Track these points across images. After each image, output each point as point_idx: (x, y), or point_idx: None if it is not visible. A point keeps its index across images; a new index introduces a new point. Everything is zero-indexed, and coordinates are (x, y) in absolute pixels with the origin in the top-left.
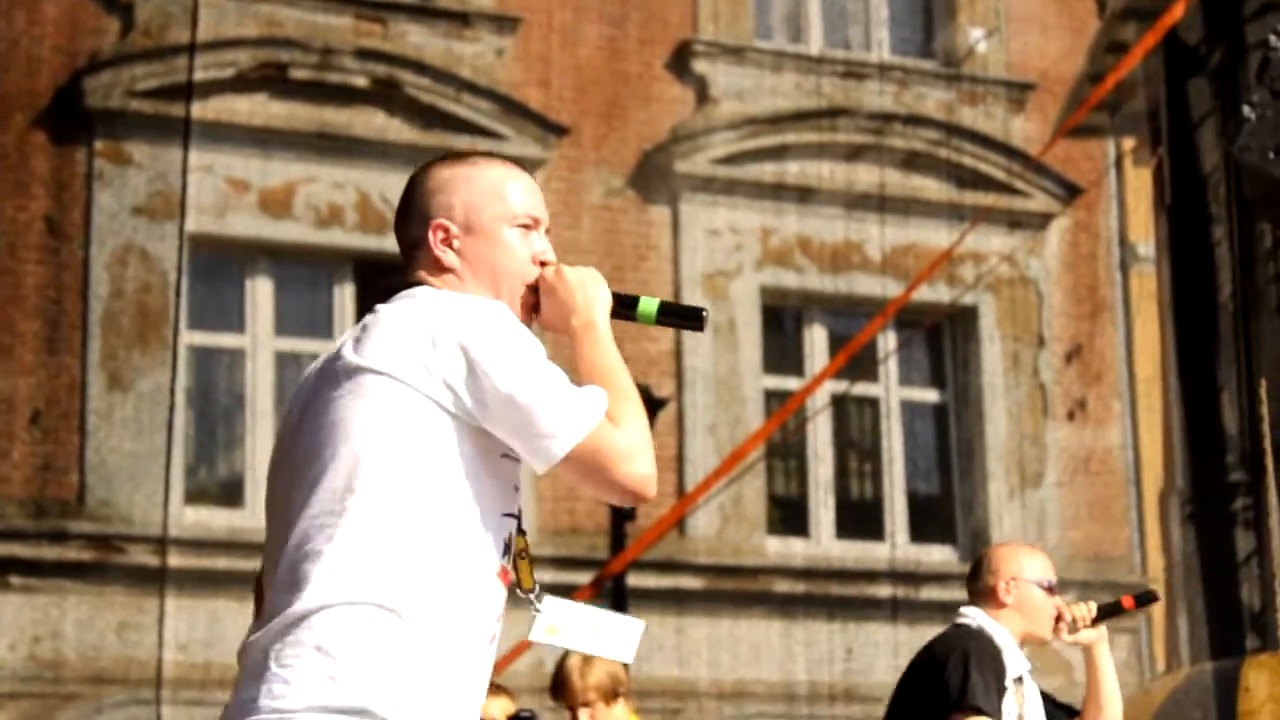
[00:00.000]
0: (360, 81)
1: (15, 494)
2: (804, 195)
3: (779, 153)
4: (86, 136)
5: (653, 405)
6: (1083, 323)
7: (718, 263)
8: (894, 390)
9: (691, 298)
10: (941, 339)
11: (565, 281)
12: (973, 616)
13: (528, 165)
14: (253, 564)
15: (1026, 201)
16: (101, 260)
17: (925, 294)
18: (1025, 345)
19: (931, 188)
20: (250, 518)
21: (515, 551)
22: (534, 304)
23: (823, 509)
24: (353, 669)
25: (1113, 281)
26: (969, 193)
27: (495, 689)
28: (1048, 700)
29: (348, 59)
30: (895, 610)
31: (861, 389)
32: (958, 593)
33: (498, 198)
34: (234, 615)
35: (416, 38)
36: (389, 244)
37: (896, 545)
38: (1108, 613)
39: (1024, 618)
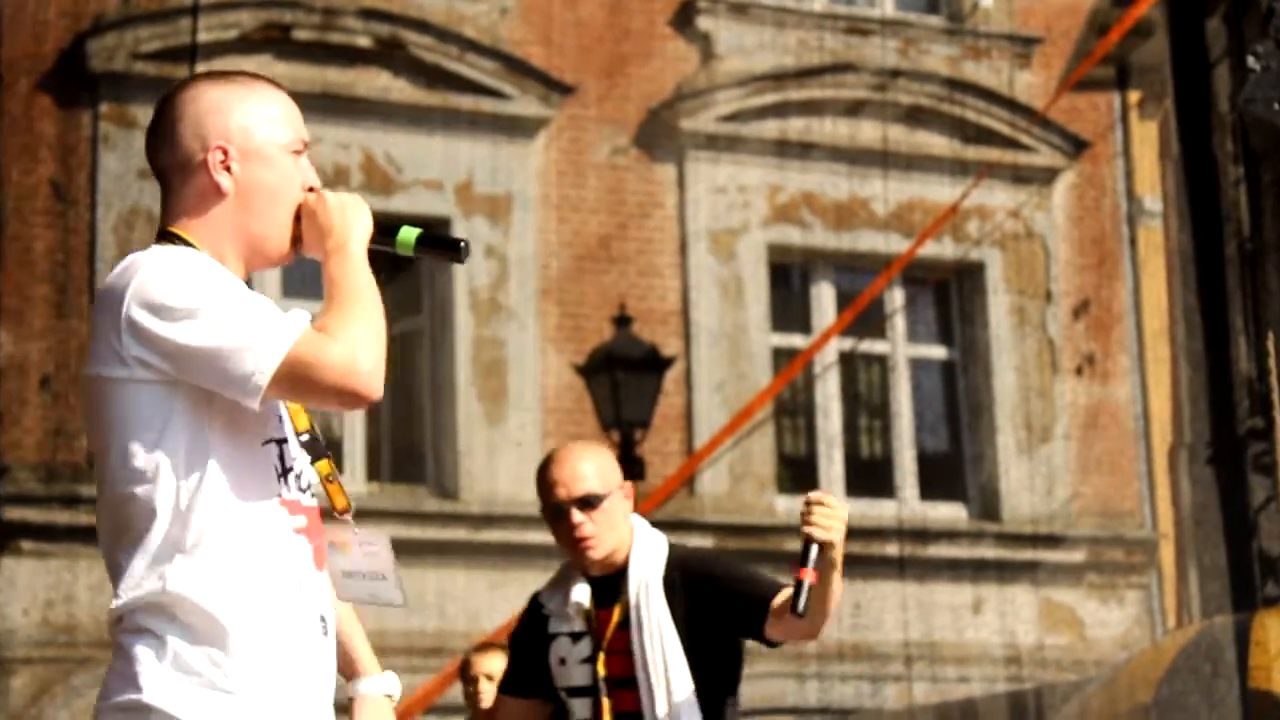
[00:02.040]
0: (364, 42)
1: (27, 459)
2: (808, 151)
3: (783, 109)
4: (91, 100)
5: (660, 364)
6: (1090, 277)
7: (723, 220)
8: (902, 346)
9: (697, 255)
10: (949, 295)
11: (325, 206)
12: None
13: (533, 124)
14: None
15: (1032, 156)
16: (109, 223)
17: (931, 250)
18: (1032, 300)
19: (936, 143)
20: None
21: (323, 476)
22: (300, 234)
23: (831, 466)
24: (140, 670)
25: (1120, 235)
26: (974, 148)
27: (495, 646)
28: None
29: (351, 19)
30: (903, 567)
31: (869, 345)
32: (966, 549)
33: (273, 121)
34: None
35: None
36: (395, 204)
37: (905, 502)
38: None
39: None
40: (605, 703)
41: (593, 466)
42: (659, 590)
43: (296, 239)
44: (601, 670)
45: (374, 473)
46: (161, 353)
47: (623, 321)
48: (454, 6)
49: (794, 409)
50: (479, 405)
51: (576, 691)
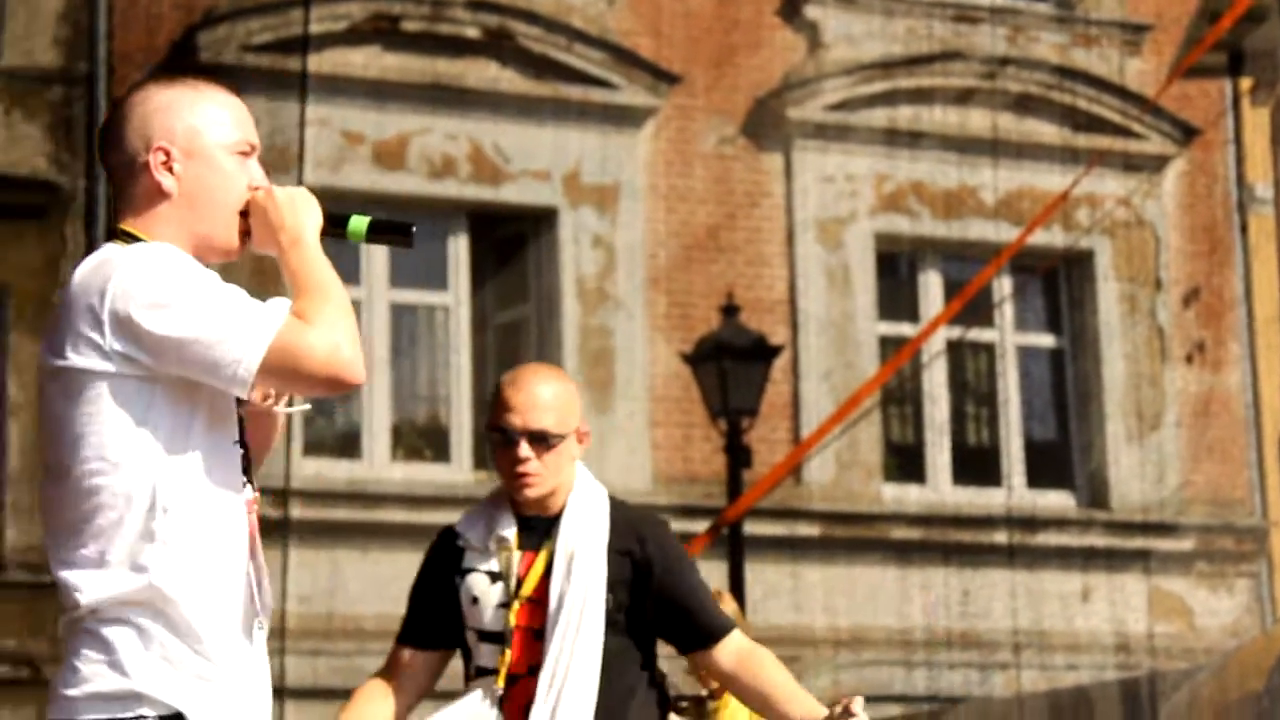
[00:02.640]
0: (472, 32)
1: None
2: (917, 140)
3: (891, 98)
4: None
5: (767, 352)
6: (1200, 264)
7: (831, 209)
8: (1010, 335)
9: (805, 244)
10: (1057, 283)
11: (274, 202)
12: None
13: (640, 114)
14: (372, 515)
15: (1142, 144)
16: None
17: (1040, 238)
18: (1142, 288)
19: (1046, 131)
20: (368, 469)
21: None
22: (247, 230)
23: (939, 454)
24: (125, 658)
25: (1231, 223)
26: (1084, 135)
27: None
28: None
29: (460, 10)
30: (1012, 555)
31: (977, 334)
32: (1075, 538)
33: (217, 123)
34: (355, 565)
35: None
36: (503, 195)
37: (1013, 490)
38: None
39: None
40: (507, 654)
41: (555, 402)
42: (600, 550)
43: (245, 234)
44: (513, 619)
45: (480, 461)
46: (147, 346)
47: (730, 310)
48: None
49: (901, 397)
50: (586, 394)
51: (488, 636)
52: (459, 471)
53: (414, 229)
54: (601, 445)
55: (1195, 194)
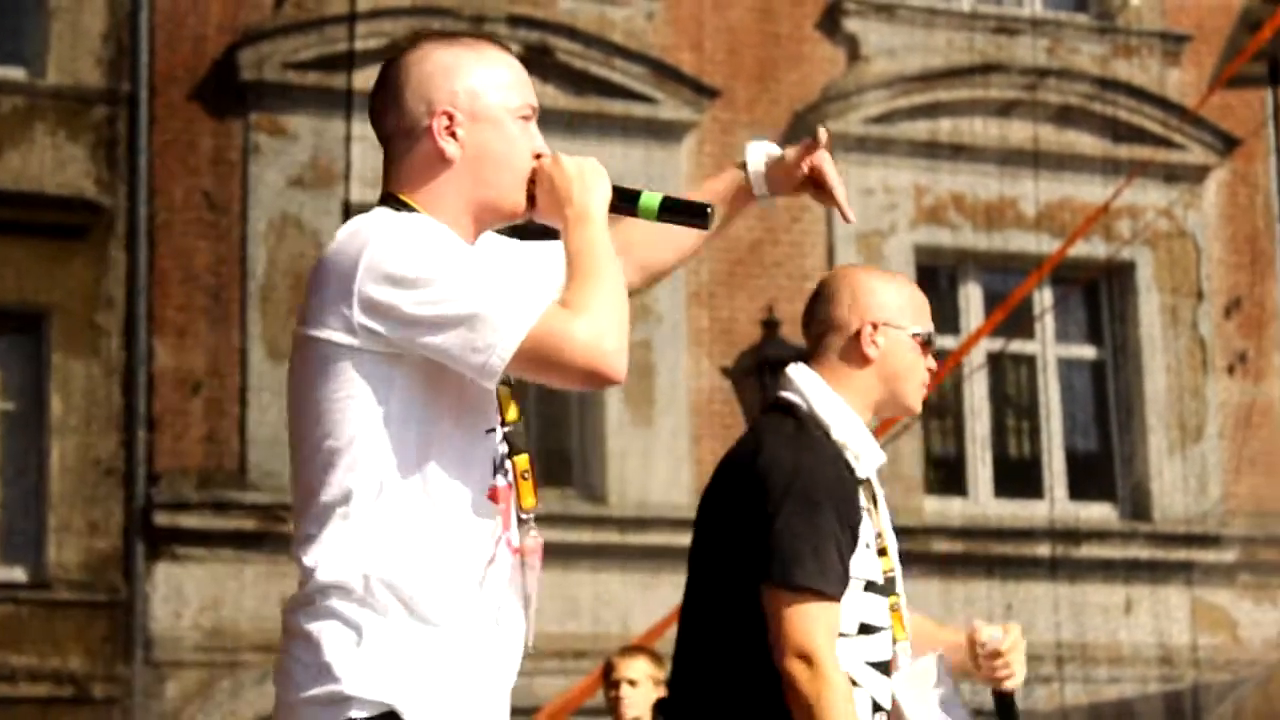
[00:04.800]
0: (513, 48)
1: (181, 466)
2: (957, 152)
3: (931, 110)
4: (242, 109)
5: None
6: (1242, 275)
7: (872, 222)
8: (1051, 347)
9: (846, 257)
10: (1099, 294)
11: (562, 172)
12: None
13: (680, 128)
14: None
15: (1183, 154)
16: (259, 232)
17: (1081, 249)
18: (1184, 299)
19: (1086, 142)
20: None
21: (520, 470)
22: (531, 197)
23: (981, 467)
24: (335, 659)
25: (1273, 233)
26: (1124, 146)
27: (640, 651)
28: None
29: (500, 26)
30: (1055, 568)
31: (1018, 346)
32: (1117, 550)
33: (501, 85)
34: None
35: (568, 3)
36: None
37: (1055, 502)
38: None
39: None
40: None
41: None
42: None
43: (529, 199)
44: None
45: None
46: (395, 323)
47: (771, 325)
48: (602, 12)
49: (943, 410)
50: (627, 408)
51: (874, 587)
52: None
53: (710, 209)
54: (644, 459)
55: (1236, 204)
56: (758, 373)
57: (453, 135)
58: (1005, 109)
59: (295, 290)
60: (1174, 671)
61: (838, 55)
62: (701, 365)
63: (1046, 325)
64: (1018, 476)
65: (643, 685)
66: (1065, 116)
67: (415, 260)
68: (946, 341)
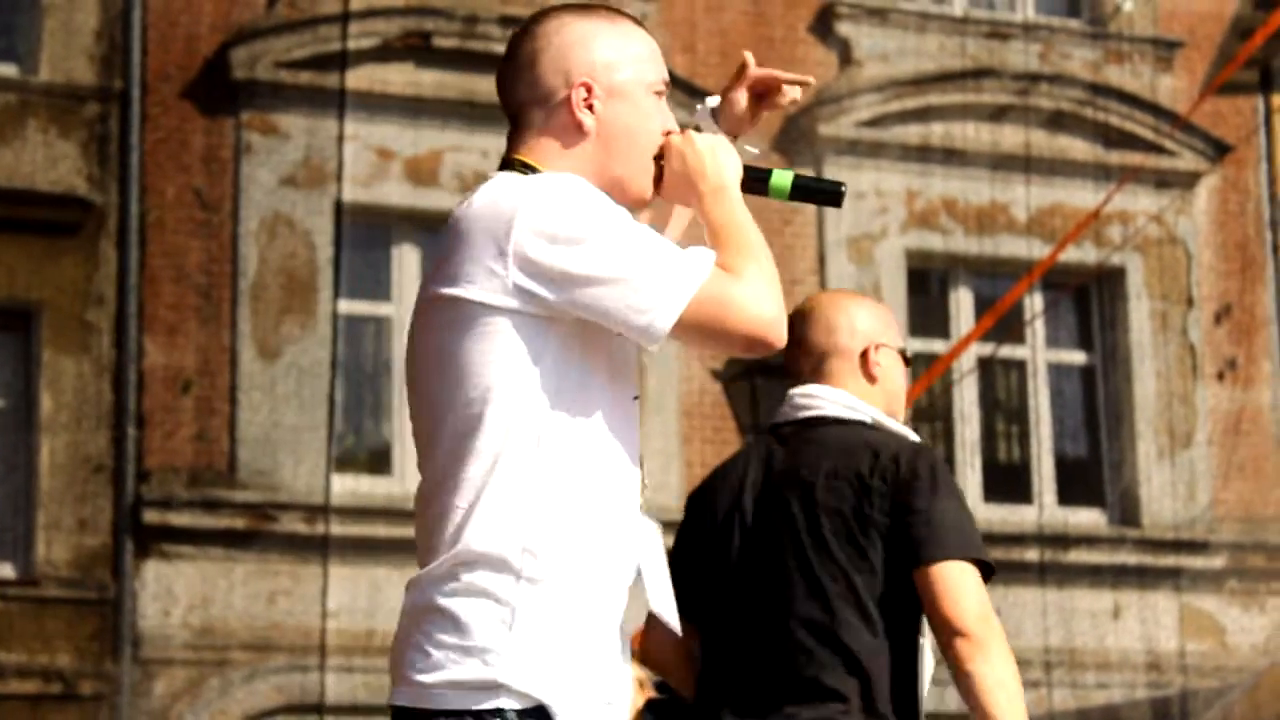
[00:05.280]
0: (504, 49)
1: (170, 464)
2: (949, 157)
3: (923, 114)
4: (233, 108)
5: None
6: (1232, 281)
7: (863, 226)
8: (1041, 352)
9: (836, 261)
10: (1089, 300)
11: (694, 148)
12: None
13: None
14: (409, 532)
15: (1174, 160)
16: (251, 231)
17: (1072, 255)
18: (1174, 305)
19: (1078, 147)
20: (399, 484)
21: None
22: (659, 175)
23: (970, 471)
24: (486, 642)
25: (1263, 240)
26: (1116, 152)
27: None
28: None
29: (492, 26)
30: (1043, 573)
31: (1008, 351)
32: (1106, 556)
33: (638, 59)
34: (395, 584)
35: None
36: None
37: (1044, 508)
38: None
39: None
40: None
41: None
42: None
43: (656, 181)
44: None
45: None
46: (553, 283)
47: None
48: None
49: (932, 415)
50: None
51: None
52: None
53: (843, 188)
54: None
55: (1227, 211)
56: (748, 375)
57: (589, 108)
58: (997, 114)
59: (286, 289)
60: (1162, 677)
61: (830, 59)
62: (691, 368)
63: (1037, 330)
64: (1007, 481)
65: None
66: (1057, 122)
67: (574, 218)
68: (937, 346)
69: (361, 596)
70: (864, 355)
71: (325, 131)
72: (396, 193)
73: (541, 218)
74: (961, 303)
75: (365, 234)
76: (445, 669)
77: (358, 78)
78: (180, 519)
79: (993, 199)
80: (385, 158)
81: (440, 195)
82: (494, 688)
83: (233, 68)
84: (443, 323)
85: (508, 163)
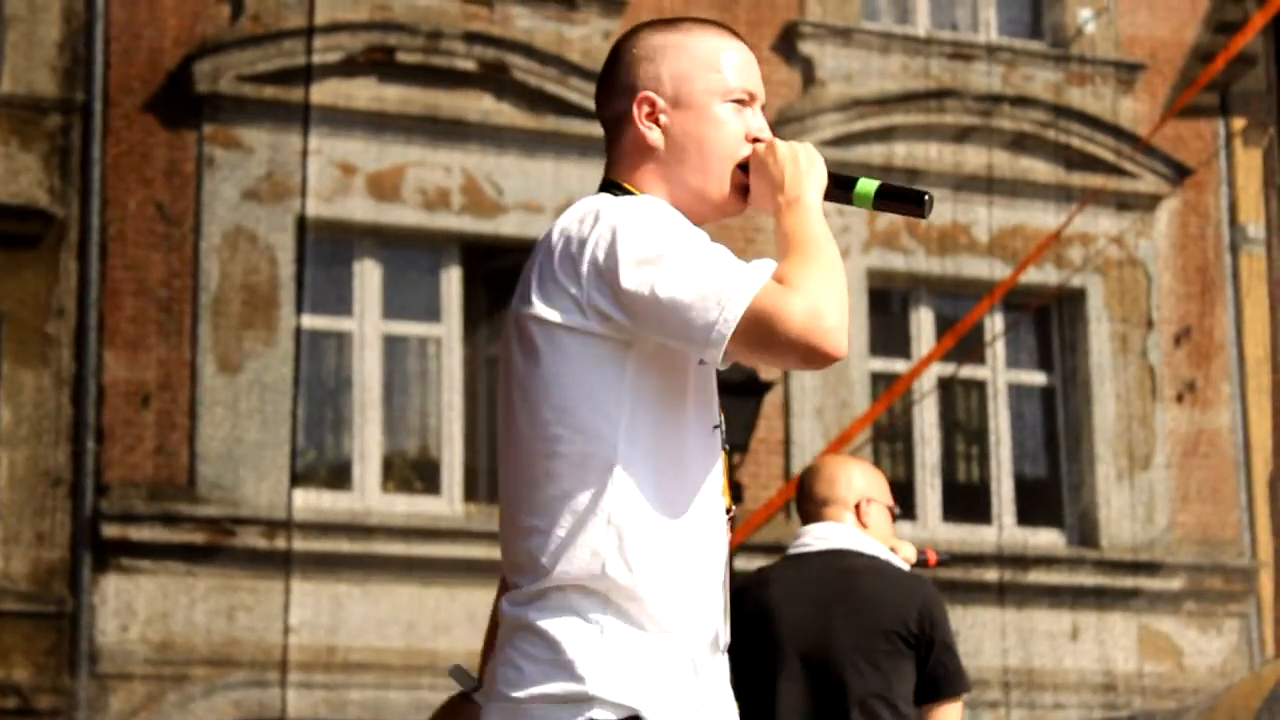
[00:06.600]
0: (468, 65)
1: (129, 478)
2: (911, 177)
3: (886, 134)
4: (196, 121)
5: (759, 389)
6: (1192, 304)
7: None
8: (1001, 373)
9: None
10: (1049, 321)
11: (776, 157)
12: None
13: None
14: (368, 547)
15: (1135, 183)
16: (213, 245)
17: (1033, 276)
18: (1134, 327)
19: (1039, 169)
20: (359, 500)
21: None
22: (745, 185)
23: (930, 492)
24: (576, 656)
25: (1223, 263)
26: (1077, 174)
27: None
28: None
29: (456, 42)
30: (1002, 594)
31: (969, 371)
32: (1065, 577)
33: (711, 69)
34: (356, 600)
35: (524, 21)
36: (495, 227)
37: (1003, 528)
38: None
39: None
40: None
41: None
42: None
43: (743, 190)
44: None
45: (471, 493)
46: (625, 304)
47: None
48: (558, 30)
49: (893, 435)
50: None
51: None
52: (449, 504)
53: (928, 197)
54: None
55: (1187, 234)
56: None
57: (655, 122)
58: (960, 135)
59: (248, 304)
60: (1119, 698)
61: (793, 78)
62: None
63: (997, 351)
64: (966, 502)
65: None
66: (1019, 143)
67: (648, 239)
68: (898, 366)
69: (323, 612)
70: (857, 507)
71: (288, 146)
72: (360, 208)
73: (618, 239)
74: (923, 323)
75: (328, 249)
76: (537, 684)
77: (321, 92)
78: (140, 533)
79: (955, 219)
80: (348, 173)
81: (403, 210)
82: (586, 700)
83: (196, 81)
84: (521, 342)
85: (604, 182)
